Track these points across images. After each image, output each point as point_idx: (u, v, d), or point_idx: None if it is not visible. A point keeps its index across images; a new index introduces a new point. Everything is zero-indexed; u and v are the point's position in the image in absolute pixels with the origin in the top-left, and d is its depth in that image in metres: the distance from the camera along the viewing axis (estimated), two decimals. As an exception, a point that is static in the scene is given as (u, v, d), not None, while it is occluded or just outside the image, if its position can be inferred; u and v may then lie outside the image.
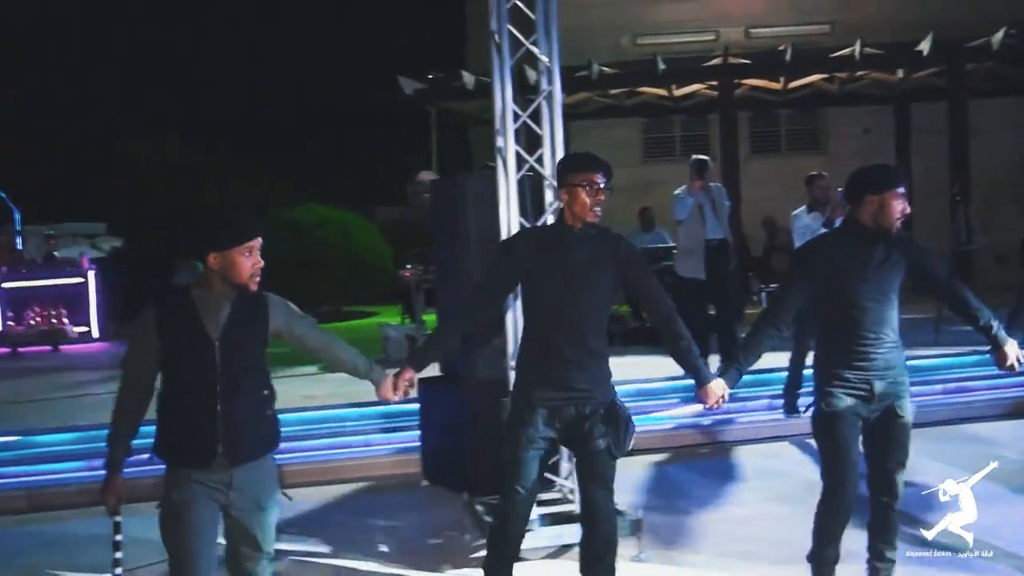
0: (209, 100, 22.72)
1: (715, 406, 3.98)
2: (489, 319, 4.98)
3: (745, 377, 8.83)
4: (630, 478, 6.37)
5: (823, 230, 7.55)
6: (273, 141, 22.61)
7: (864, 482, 4.06)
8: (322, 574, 5.09)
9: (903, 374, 4.01)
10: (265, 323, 3.45)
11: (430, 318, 11.49)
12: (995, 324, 3.99)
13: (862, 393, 3.92)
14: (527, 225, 5.10)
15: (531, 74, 12.64)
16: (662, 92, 14.82)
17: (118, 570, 3.81)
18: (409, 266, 11.41)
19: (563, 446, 4.26)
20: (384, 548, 5.38)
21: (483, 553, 5.01)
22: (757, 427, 7.69)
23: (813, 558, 4.09)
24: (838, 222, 7.51)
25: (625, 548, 5.02)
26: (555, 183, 5.10)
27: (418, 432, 6.72)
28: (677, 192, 8.71)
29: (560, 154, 5.12)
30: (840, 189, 7.94)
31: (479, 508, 5.37)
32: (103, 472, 3.47)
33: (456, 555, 5.12)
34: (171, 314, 3.38)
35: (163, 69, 23.68)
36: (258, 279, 3.39)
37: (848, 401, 3.92)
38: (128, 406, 3.43)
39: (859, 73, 13.83)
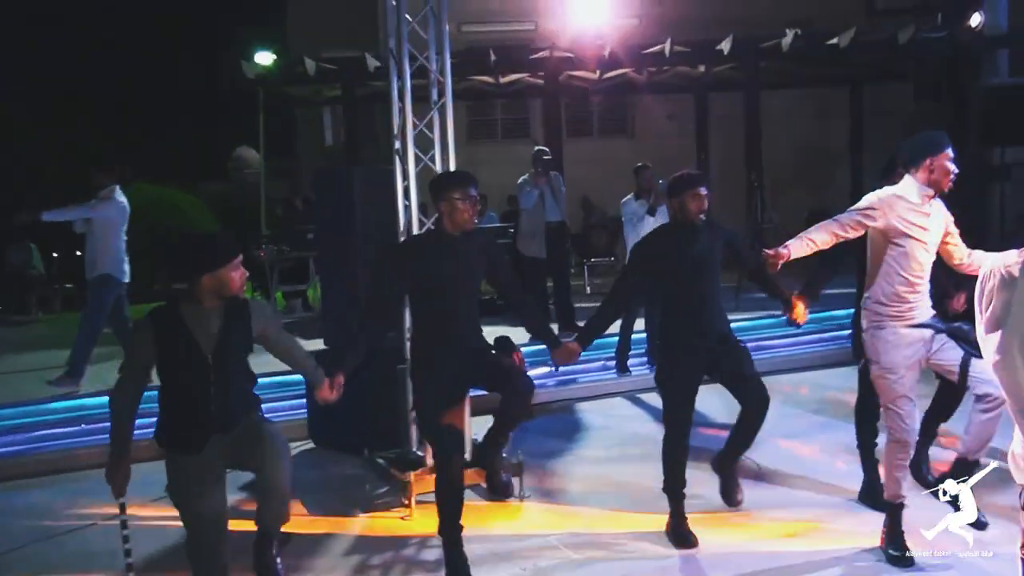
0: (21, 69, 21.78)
1: (567, 364, 4.90)
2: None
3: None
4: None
5: (648, 217, 8.73)
6: (92, 115, 22.03)
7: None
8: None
9: (729, 331, 5.04)
10: (250, 329, 3.88)
11: (280, 295, 12.06)
12: (787, 291, 5.09)
13: (698, 356, 4.89)
14: (425, 220, 5.91)
15: (371, 61, 13.33)
16: (488, 79, 15.76)
17: (127, 545, 4.11)
18: (264, 246, 11.89)
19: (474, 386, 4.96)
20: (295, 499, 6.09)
21: (386, 499, 5.90)
22: (594, 385, 8.83)
23: (666, 488, 5.08)
24: (660, 209, 8.76)
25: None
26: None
27: (303, 400, 7.41)
28: (521, 181, 9.66)
29: (452, 156, 5.96)
30: (662, 181, 9.16)
31: (381, 461, 6.20)
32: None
33: (363, 501, 5.89)
34: (166, 331, 3.72)
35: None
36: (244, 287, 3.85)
37: (685, 363, 4.90)
38: (125, 405, 3.80)
39: (665, 67, 15.22)
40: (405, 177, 5.90)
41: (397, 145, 5.92)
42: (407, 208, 5.92)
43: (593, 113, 18.56)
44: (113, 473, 3.79)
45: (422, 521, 5.44)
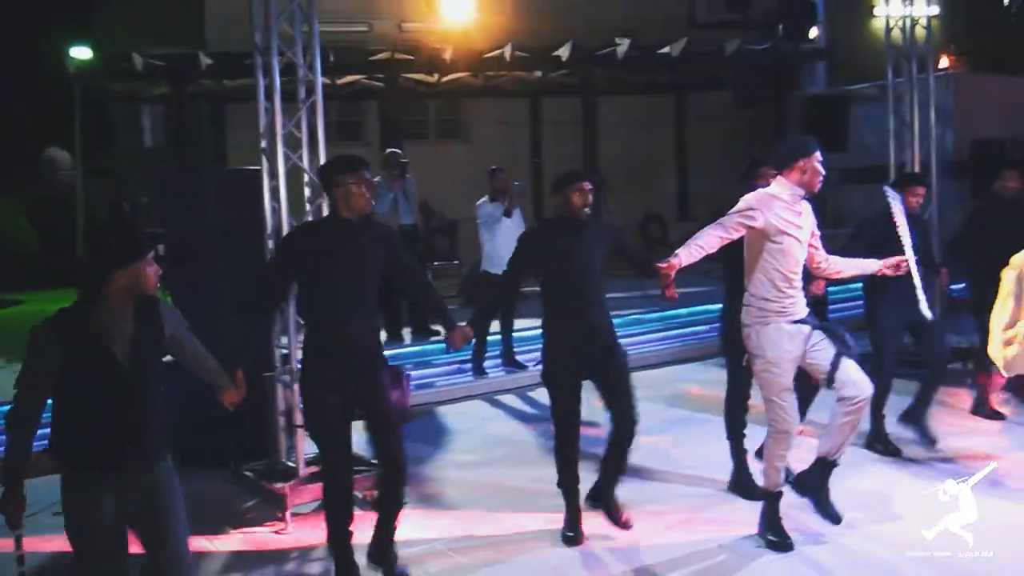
0: None
1: (461, 348, 4.80)
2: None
3: (432, 346, 9.87)
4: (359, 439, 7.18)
5: (504, 219, 8.78)
6: None
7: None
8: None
9: (612, 328, 5.10)
10: (161, 331, 3.54)
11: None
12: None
13: (582, 354, 4.93)
14: (295, 221, 5.70)
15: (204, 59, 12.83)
16: (324, 80, 15.44)
17: None
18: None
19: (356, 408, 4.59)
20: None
21: (258, 513, 5.68)
22: (452, 389, 8.78)
23: (561, 483, 5.09)
24: (515, 211, 8.82)
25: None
26: (315, 179, 5.77)
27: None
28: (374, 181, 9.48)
29: (322, 155, 5.78)
30: (517, 183, 9.23)
31: (249, 473, 5.94)
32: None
33: (233, 516, 5.62)
34: (73, 335, 3.34)
35: None
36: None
37: (571, 361, 4.93)
38: (25, 422, 3.37)
39: (503, 72, 15.31)
40: (273, 177, 5.68)
41: (264, 144, 5.71)
42: (275, 210, 5.71)
43: (429, 116, 18.51)
44: (10, 501, 3.36)
45: (300, 534, 5.27)
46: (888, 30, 8.81)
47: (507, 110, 17.89)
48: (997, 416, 6.97)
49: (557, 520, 5.12)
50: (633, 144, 17.65)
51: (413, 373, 8.98)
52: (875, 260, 5.01)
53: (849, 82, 15.27)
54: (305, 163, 5.80)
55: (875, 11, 9.63)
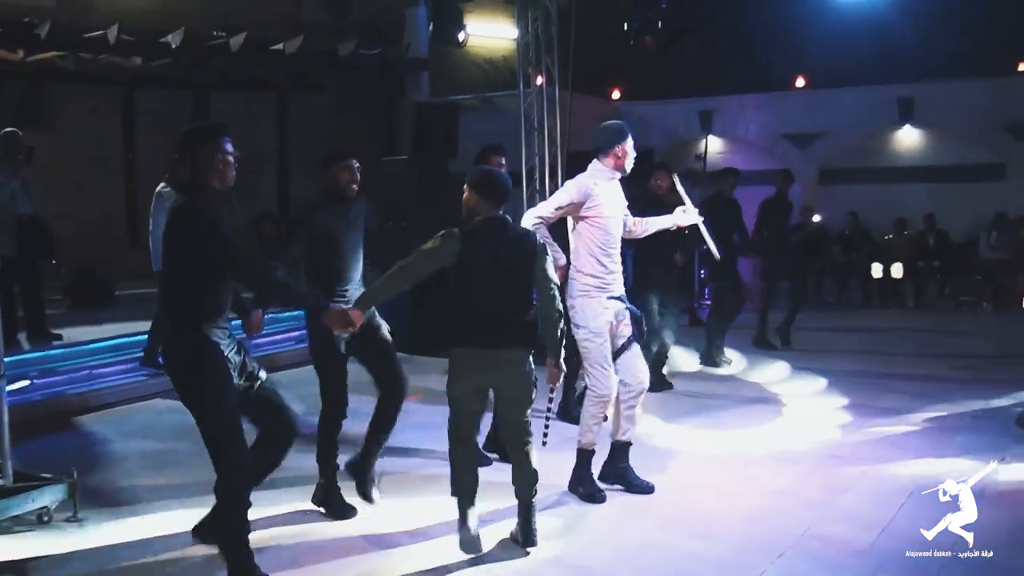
0: None
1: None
2: None
3: (102, 343, 9.10)
4: (20, 449, 6.35)
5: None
6: None
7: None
8: None
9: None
10: None
11: None
12: None
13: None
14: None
15: None
16: None
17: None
18: None
19: None
20: None
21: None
22: (129, 388, 8.28)
23: (321, 471, 5.15)
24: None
25: (63, 511, 5.27)
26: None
27: None
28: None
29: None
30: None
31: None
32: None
33: None
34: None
35: None
36: None
37: (338, 339, 4.97)
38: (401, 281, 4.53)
39: (101, 56, 14.08)
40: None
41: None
42: None
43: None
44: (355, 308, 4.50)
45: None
46: (520, 46, 9.56)
47: (96, 98, 16.53)
48: None
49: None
50: (240, 142, 17.16)
51: (39, 381, 8.18)
52: (668, 216, 5.70)
53: (446, 93, 16.15)
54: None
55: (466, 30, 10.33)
